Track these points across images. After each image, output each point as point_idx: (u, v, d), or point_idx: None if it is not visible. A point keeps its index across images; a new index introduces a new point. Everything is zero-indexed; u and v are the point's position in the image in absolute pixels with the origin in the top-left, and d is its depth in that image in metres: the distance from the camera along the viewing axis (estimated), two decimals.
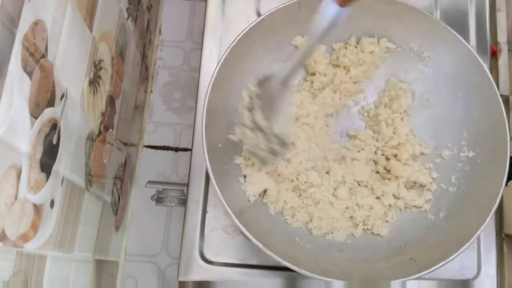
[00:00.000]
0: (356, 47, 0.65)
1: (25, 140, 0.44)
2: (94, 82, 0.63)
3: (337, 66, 0.66)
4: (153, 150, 1.02)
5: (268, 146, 0.55)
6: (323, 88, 0.66)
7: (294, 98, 0.57)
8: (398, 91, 0.66)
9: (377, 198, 0.62)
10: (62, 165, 0.54)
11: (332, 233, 0.61)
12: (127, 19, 0.78)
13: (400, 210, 0.62)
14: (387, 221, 0.61)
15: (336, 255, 0.59)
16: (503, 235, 0.64)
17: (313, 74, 0.66)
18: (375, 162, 0.65)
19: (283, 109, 0.54)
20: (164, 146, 1.02)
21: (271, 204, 0.61)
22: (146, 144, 1.02)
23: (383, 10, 0.62)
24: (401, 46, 0.65)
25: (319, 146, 0.64)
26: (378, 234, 0.61)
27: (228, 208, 0.52)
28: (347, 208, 0.62)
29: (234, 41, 0.58)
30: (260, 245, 0.51)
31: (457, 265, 0.61)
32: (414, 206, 0.62)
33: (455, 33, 0.60)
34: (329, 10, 0.46)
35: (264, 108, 0.54)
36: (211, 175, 0.53)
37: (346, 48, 0.65)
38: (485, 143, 0.60)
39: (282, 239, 0.58)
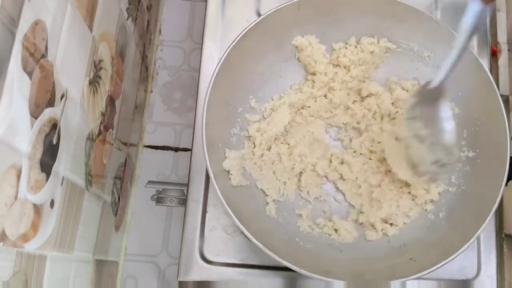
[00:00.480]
0: (356, 47, 0.65)
1: (25, 140, 0.44)
2: (94, 82, 0.63)
3: (337, 66, 0.66)
4: (153, 150, 1.02)
5: (434, 158, 0.54)
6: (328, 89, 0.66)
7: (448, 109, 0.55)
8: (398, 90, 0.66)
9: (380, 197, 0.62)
10: (62, 165, 0.54)
11: (338, 234, 0.61)
12: (127, 19, 0.78)
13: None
14: (391, 224, 0.61)
15: (336, 255, 0.59)
16: (503, 235, 0.64)
17: (313, 74, 0.66)
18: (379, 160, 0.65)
19: (442, 116, 0.53)
20: (164, 146, 1.02)
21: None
22: (146, 144, 1.02)
23: (383, 10, 0.62)
24: (401, 46, 0.65)
25: (321, 145, 0.65)
26: (386, 234, 0.61)
27: (228, 208, 0.52)
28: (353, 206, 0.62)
29: (234, 41, 0.58)
30: (260, 245, 0.51)
31: (457, 265, 0.61)
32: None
33: (455, 33, 0.60)
34: (473, 10, 0.46)
35: (424, 117, 0.53)
36: (211, 175, 0.53)
37: (346, 48, 0.65)
38: (485, 143, 0.60)
39: (282, 239, 0.58)
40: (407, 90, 0.65)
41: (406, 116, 0.55)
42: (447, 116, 0.53)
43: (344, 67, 0.66)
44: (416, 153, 0.55)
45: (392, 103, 0.65)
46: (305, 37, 0.64)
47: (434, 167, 0.54)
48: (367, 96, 0.66)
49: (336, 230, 0.60)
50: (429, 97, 0.53)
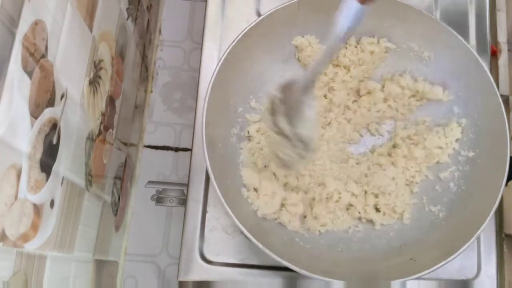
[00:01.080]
0: (356, 47, 0.65)
1: (25, 140, 0.44)
2: (94, 82, 0.63)
3: (337, 66, 0.66)
4: (153, 150, 1.02)
5: (294, 150, 0.54)
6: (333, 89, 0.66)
7: (315, 102, 0.56)
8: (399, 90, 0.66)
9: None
10: (62, 165, 0.54)
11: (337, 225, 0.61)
12: (127, 19, 0.78)
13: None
14: (395, 211, 0.61)
15: (336, 255, 0.59)
16: (503, 235, 0.64)
17: None
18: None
19: (306, 113, 0.53)
20: (164, 146, 1.02)
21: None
22: (146, 144, 1.02)
23: (383, 10, 0.62)
24: (401, 46, 0.65)
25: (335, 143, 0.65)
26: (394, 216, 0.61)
27: (228, 208, 0.52)
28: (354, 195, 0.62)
29: (234, 41, 0.58)
30: (260, 245, 0.51)
31: (457, 265, 0.61)
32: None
33: (455, 33, 0.60)
34: (351, 9, 0.46)
35: (287, 113, 0.54)
36: (211, 175, 0.53)
37: (346, 48, 0.65)
38: (485, 143, 0.60)
39: (282, 239, 0.58)
40: (402, 87, 0.65)
41: (270, 110, 0.55)
42: (309, 112, 0.53)
43: (344, 67, 0.66)
44: (278, 144, 0.56)
45: (384, 98, 0.66)
46: (305, 37, 0.64)
47: (292, 157, 0.55)
48: (363, 95, 0.66)
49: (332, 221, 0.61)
50: (295, 95, 0.53)
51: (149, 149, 1.02)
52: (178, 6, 1.11)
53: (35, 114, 0.46)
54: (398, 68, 0.66)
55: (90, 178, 0.65)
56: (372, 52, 0.65)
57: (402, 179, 0.63)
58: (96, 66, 0.63)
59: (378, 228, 0.61)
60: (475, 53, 0.59)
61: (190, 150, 0.65)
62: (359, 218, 0.62)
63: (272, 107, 0.54)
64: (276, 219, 0.60)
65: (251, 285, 0.60)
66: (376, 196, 0.62)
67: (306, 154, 0.55)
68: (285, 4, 0.59)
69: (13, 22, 0.40)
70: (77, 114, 0.58)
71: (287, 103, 0.53)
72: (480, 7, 0.71)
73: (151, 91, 1.05)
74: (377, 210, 0.62)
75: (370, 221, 0.62)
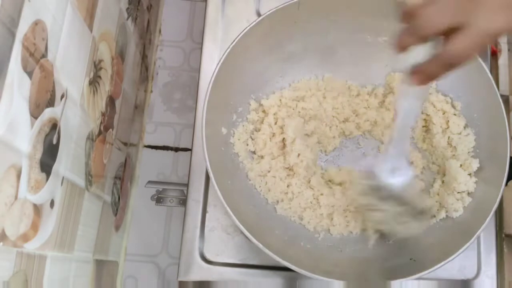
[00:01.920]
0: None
1: (25, 140, 0.44)
2: (94, 82, 0.63)
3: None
4: (153, 150, 1.02)
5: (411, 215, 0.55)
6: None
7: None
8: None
9: None
10: (62, 165, 0.54)
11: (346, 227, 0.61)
12: (127, 19, 0.78)
13: None
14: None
15: (336, 255, 0.59)
16: (503, 235, 0.64)
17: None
18: None
19: (407, 183, 0.54)
20: (164, 146, 1.02)
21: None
22: (146, 144, 1.02)
23: (383, 10, 0.62)
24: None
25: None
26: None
27: (228, 208, 0.52)
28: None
29: (234, 41, 0.58)
30: (260, 245, 0.51)
31: (457, 265, 0.61)
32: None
33: None
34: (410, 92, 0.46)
35: (386, 197, 0.54)
36: (211, 175, 0.53)
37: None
38: (485, 143, 0.60)
39: (282, 239, 0.58)
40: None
41: (374, 200, 0.56)
42: (409, 183, 0.54)
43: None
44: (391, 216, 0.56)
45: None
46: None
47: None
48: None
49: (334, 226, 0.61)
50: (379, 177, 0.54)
51: (149, 149, 1.02)
52: (178, 6, 1.11)
53: (35, 114, 0.46)
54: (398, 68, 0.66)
55: (90, 178, 0.65)
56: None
57: None
58: (96, 66, 0.63)
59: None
60: None
61: (190, 150, 0.65)
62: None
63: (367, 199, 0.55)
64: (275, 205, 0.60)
65: (251, 285, 0.60)
66: None
67: (423, 216, 0.55)
68: (285, 4, 0.59)
69: (13, 22, 0.40)
70: (77, 114, 0.58)
71: (382, 187, 0.54)
72: None
73: (151, 91, 1.05)
74: None
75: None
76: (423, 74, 0.42)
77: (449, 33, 0.39)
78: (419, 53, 0.42)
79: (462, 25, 0.38)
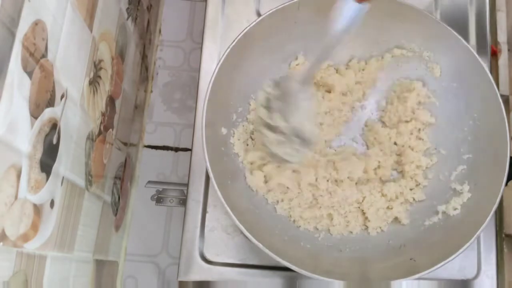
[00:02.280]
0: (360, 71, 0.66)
1: (25, 140, 0.44)
2: (94, 82, 0.63)
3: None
4: (153, 150, 1.02)
5: (291, 146, 0.55)
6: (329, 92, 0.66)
7: (310, 94, 0.56)
8: (403, 91, 0.66)
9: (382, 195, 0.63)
10: (62, 165, 0.54)
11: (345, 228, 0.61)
12: (127, 19, 0.78)
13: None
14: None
15: (336, 255, 0.59)
16: (503, 235, 0.64)
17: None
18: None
19: (302, 106, 0.54)
20: (164, 146, 1.02)
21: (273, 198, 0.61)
22: (146, 144, 1.02)
23: (383, 10, 0.62)
24: (401, 46, 0.65)
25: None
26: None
27: (228, 208, 0.52)
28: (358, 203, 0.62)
29: (234, 41, 0.58)
30: (260, 245, 0.51)
31: (457, 265, 0.61)
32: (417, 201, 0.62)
33: (455, 33, 0.60)
34: (348, 8, 0.46)
35: (282, 109, 0.54)
36: (211, 175, 0.53)
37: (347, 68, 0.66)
38: (485, 143, 0.60)
39: (282, 239, 0.58)
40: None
41: (265, 106, 0.55)
42: (307, 104, 0.54)
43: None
44: (274, 143, 0.56)
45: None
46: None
47: (288, 153, 0.56)
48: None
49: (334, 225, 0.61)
50: (290, 90, 0.53)
51: (149, 149, 1.02)
52: (178, 6, 1.11)
53: (35, 114, 0.46)
54: (398, 68, 0.66)
55: (90, 178, 0.65)
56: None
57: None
58: (96, 66, 0.63)
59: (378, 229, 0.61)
60: (475, 53, 0.59)
61: (190, 150, 0.65)
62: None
63: (266, 104, 0.54)
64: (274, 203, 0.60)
65: (251, 285, 0.60)
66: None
67: (303, 148, 0.55)
68: (285, 4, 0.59)
69: (13, 22, 0.40)
70: (77, 114, 0.58)
71: (282, 98, 0.53)
72: (480, 7, 0.71)
73: (151, 91, 1.05)
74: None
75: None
76: None
77: None
78: None
79: None
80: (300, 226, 0.61)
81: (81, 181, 0.62)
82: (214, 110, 0.56)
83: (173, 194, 0.99)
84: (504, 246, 0.63)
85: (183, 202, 0.98)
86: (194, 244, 0.61)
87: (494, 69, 0.72)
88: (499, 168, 0.56)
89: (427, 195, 0.62)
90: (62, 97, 0.52)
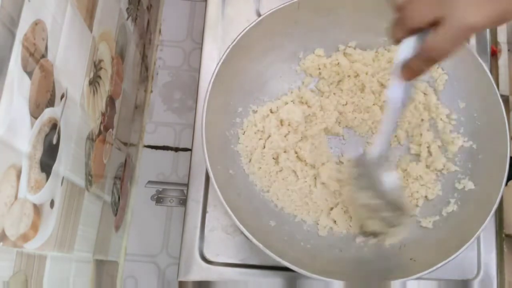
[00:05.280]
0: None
1: (25, 140, 0.44)
2: (94, 82, 0.63)
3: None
4: (153, 150, 1.02)
5: (384, 220, 0.55)
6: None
7: (392, 169, 0.57)
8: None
9: None
10: (62, 165, 0.54)
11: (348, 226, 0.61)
12: (127, 19, 0.78)
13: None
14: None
15: (336, 255, 0.59)
16: (503, 235, 0.64)
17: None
18: None
19: (389, 180, 0.54)
20: (164, 146, 1.02)
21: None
22: (146, 144, 1.02)
23: (383, 10, 0.62)
24: None
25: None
26: None
27: (228, 208, 0.52)
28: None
29: (234, 41, 0.58)
30: (260, 245, 0.51)
31: (457, 265, 0.61)
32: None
33: None
34: (399, 85, 0.46)
35: (369, 187, 0.54)
36: (211, 175, 0.53)
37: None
38: (485, 143, 0.60)
39: (282, 239, 0.58)
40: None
41: (355, 188, 0.56)
42: (393, 182, 0.54)
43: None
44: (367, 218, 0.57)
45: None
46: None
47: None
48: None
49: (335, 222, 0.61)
50: (372, 166, 0.54)
51: (149, 149, 1.02)
52: (178, 6, 1.11)
53: (35, 114, 0.46)
54: None
55: (90, 178, 0.65)
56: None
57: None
58: (96, 66, 0.63)
59: None
60: (475, 53, 0.59)
61: (190, 150, 0.65)
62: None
63: (357, 184, 0.55)
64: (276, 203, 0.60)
65: (251, 285, 0.60)
66: None
67: (400, 219, 0.55)
68: (285, 4, 0.59)
69: (13, 22, 0.40)
70: (77, 114, 0.58)
71: (366, 176, 0.54)
72: None
73: (151, 91, 1.05)
74: None
75: None
76: (410, 69, 0.43)
77: (435, 25, 0.39)
78: (410, 46, 0.42)
79: (443, 18, 0.38)
80: (300, 226, 0.61)
81: (81, 181, 0.62)
82: (214, 110, 0.56)
83: (173, 194, 0.99)
84: (504, 246, 0.63)
85: (183, 202, 0.98)
86: (194, 244, 0.61)
87: (494, 69, 0.72)
88: (499, 168, 0.56)
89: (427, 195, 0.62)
90: (62, 97, 0.52)
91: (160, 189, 0.99)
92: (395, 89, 0.47)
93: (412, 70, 0.43)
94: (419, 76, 0.44)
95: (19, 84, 0.42)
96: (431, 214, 0.60)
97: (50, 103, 0.49)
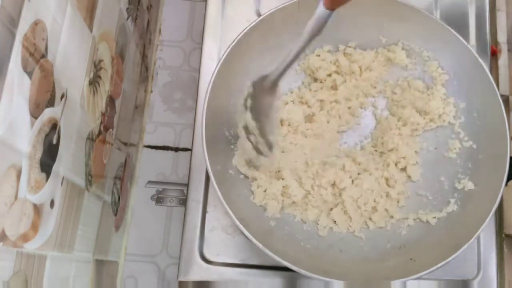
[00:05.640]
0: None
1: (25, 140, 0.44)
2: (94, 82, 0.63)
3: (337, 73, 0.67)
4: (153, 150, 1.02)
5: (256, 146, 0.56)
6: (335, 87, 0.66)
7: (280, 103, 0.58)
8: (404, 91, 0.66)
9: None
10: (62, 165, 0.54)
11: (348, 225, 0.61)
12: (127, 19, 0.78)
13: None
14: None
15: (336, 255, 0.59)
16: (503, 235, 0.64)
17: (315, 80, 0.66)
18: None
19: (271, 113, 0.55)
20: (164, 146, 1.02)
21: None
22: (146, 144, 1.02)
23: (383, 10, 0.62)
24: (400, 46, 0.65)
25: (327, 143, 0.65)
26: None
27: (228, 208, 0.52)
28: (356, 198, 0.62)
29: (234, 41, 0.58)
30: (260, 245, 0.51)
31: (457, 265, 0.61)
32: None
33: (455, 33, 0.60)
34: (319, 12, 0.46)
35: (255, 109, 0.55)
36: (211, 175, 0.53)
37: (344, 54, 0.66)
38: (485, 143, 0.60)
39: (282, 239, 0.58)
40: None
41: (244, 104, 0.56)
42: (273, 114, 0.56)
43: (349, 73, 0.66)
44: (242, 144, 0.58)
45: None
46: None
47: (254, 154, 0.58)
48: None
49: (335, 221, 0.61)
50: (264, 91, 0.54)
51: (149, 149, 1.02)
52: (178, 6, 1.11)
53: (35, 114, 0.46)
54: (399, 69, 0.66)
55: (90, 178, 0.65)
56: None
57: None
58: (96, 66, 0.63)
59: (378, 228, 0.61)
60: (475, 53, 0.60)
61: (190, 150, 0.65)
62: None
63: (244, 102, 0.56)
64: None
65: (251, 285, 0.60)
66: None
67: (266, 152, 0.57)
68: (285, 4, 0.59)
69: (13, 22, 0.40)
70: (77, 114, 0.58)
71: (257, 98, 0.54)
72: (480, 7, 0.71)
73: (151, 91, 1.05)
74: (375, 210, 0.62)
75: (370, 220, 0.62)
76: None
77: None
78: None
79: None
80: (300, 226, 0.61)
81: (81, 181, 0.62)
82: (214, 110, 0.56)
83: (173, 194, 0.99)
84: (504, 246, 0.63)
85: (183, 202, 0.98)
86: (194, 244, 0.61)
87: (494, 69, 0.72)
88: (499, 168, 0.56)
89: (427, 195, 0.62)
90: (62, 97, 0.52)
91: (160, 189, 0.99)
92: (314, 19, 0.47)
93: None
94: (341, 4, 0.44)
95: (19, 84, 0.42)
96: (431, 214, 0.60)
97: (50, 103, 0.49)
